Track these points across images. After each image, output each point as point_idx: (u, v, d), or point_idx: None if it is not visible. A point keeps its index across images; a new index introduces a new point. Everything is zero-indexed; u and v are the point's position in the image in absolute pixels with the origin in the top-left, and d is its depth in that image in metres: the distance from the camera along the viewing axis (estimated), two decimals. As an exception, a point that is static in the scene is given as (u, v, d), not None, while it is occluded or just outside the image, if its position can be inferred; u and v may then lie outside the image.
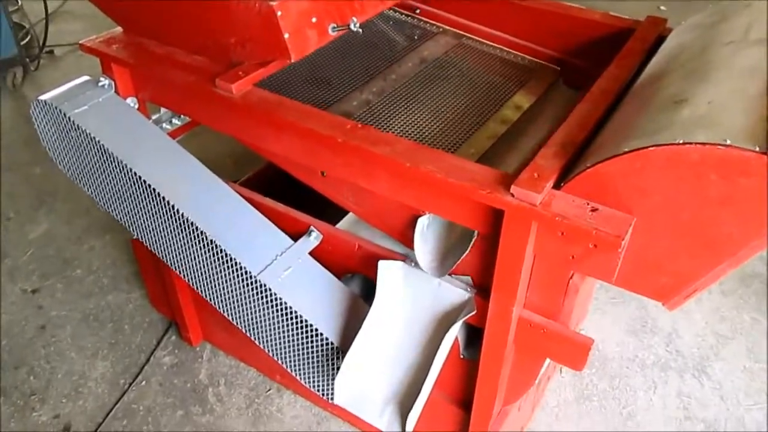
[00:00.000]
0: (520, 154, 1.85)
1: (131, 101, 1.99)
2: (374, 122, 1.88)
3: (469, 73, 2.16)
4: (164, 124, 2.14)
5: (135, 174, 1.79)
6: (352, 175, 1.63)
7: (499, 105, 2.02)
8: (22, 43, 4.31)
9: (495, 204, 1.38)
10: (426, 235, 1.68)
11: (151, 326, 2.81)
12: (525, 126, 1.97)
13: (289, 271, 1.78)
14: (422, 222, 1.65)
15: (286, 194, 2.00)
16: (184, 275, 1.93)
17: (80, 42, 1.95)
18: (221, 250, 1.76)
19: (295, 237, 1.86)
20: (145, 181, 1.79)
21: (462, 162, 1.46)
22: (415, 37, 2.33)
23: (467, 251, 1.58)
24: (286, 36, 1.63)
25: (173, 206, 1.78)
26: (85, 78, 1.99)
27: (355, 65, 2.14)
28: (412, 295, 1.72)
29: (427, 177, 1.43)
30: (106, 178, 1.89)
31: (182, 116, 2.09)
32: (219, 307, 1.91)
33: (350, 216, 2.00)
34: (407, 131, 1.85)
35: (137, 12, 1.88)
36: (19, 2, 4.92)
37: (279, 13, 1.60)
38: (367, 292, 1.93)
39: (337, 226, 1.96)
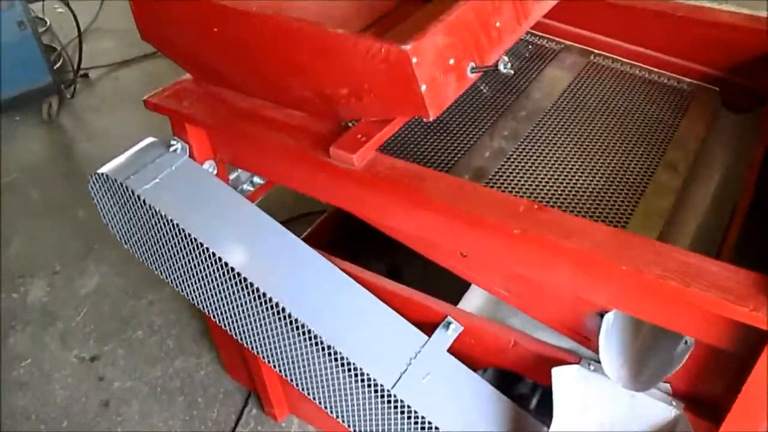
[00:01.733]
0: (698, 214, 1.46)
1: (209, 165, 1.62)
2: (518, 180, 1.50)
3: (612, 102, 1.75)
4: (244, 185, 1.77)
5: (224, 264, 1.43)
6: (518, 265, 1.25)
7: (662, 144, 1.62)
8: (55, 67, 3.96)
9: (759, 324, 0.98)
10: (611, 334, 1.29)
11: (228, 397, 2.47)
12: (696, 170, 1.57)
13: (428, 379, 1.40)
14: (608, 320, 1.26)
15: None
16: (281, 371, 1.56)
17: (145, 98, 1.58)
18: (341, 357, 1.39)
19: (425, 328, 1.48)
20: (238, 273, 1.43)
21: (696, 259, 1.06)
22: (535, 58, 1.92)
23: (681, 363, 1.18)
24: (423, 88, 1.24)
25: (275, 303, 1.41)
26: (151, 140, 1.63)
27: (473, 102, 1.74)
28: (599, 408, 1.33)
29: (655, 284, 1.03)
30: (185, 264, 1.53)
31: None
32: (326, 407, 1.54)
33: (479, 292, 1.60)
34: (561, 191, 1.46)
35: (216, 59, 1.50)
36: (48, 21, 4.57)
37: (414, 60, 1.21)
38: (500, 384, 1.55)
39: (462, 305, 1.57)
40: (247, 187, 1.78)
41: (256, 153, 1.51)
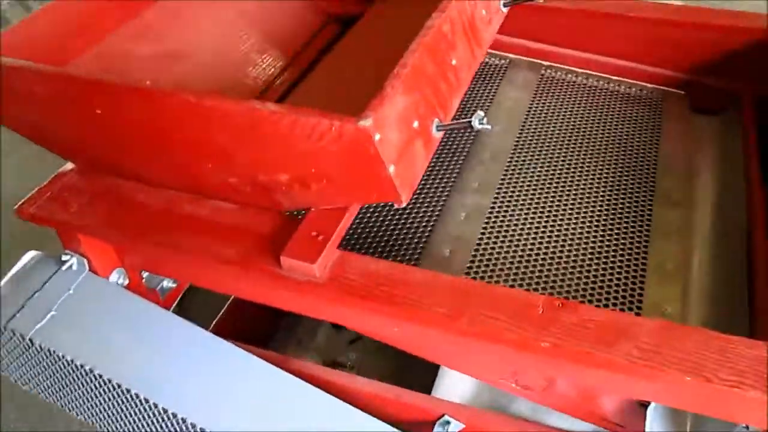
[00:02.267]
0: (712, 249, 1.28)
1: (117, 276, 1.27)
2: (509, 248, 1.26)
3: (581, 124, 1.55)
4: (165, 282, 1.43)
5: (161, 409, 1.10)
6: (543, 371, 1.00)
7: (650, 170, 1.42)
8: None
9: None
10: (654, 422, 1.08)
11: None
12: (693, 194, 1.38)
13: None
14: (653, 410, 1.04)
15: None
16: None
17: (18, 206, 1.21)
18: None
19: (420, 429, 1.22)
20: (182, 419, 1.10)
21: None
22: (483, 80, 1.67)
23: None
24: (391, 169, 0.96)
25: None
26: (37, 255, 1.26)
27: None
28: None
29: (725, 392, 0.81)
30: (106, 407, 1.19)
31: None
32: None
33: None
34: (560, 254, 1.25)
35: (104, 146, 1.16)
36: None
37: (377, 137, 0.93)
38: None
39: (447, 391, 1.32)
40: (168, 284, 1.44)
41: (180, 263, 1.18)
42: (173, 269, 1.25)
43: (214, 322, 1.59)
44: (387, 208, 1.35)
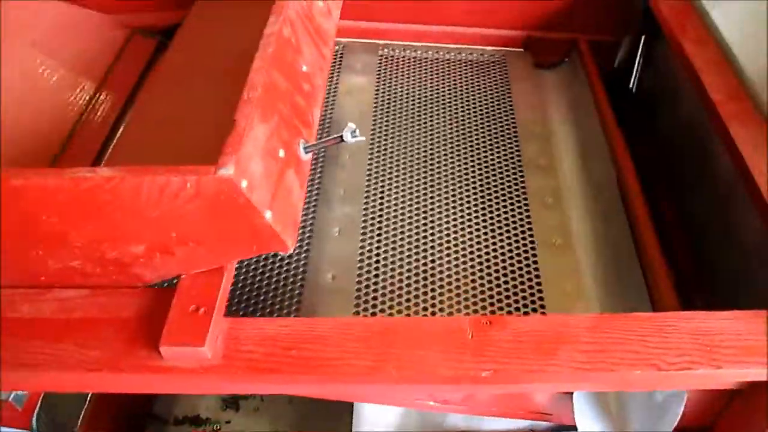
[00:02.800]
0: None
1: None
2: (392, 259, 1.16)
3: (433, 100, 1.48)
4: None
5: None
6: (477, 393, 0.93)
7: (513, 138, 1.39)
8: None
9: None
10: (583, 407, 1.06)
11: None
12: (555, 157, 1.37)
13: None
14: (579, 395, 1.02)
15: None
16: None
17: None
18: None
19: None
20: None
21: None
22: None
23: (678, 416, 0.99)
24: (269, 216, 0.82)
25: None
26: None
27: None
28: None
29: (673, 377, 0.78)
30: None
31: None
32: None
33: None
34: (447, 252, 1.18)
35: None
36: None
37: (244, 184, 0.78)
38: None
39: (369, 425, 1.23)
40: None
41: (35, 379, 0.95)
42: (29, 386, 1.03)
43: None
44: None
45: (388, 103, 1.47)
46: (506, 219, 1.22)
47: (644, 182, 1.28)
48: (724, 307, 0.84)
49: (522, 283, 1.12)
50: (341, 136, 0.94)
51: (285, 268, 1.13)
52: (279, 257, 1.16)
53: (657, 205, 1.40)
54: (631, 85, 1.66)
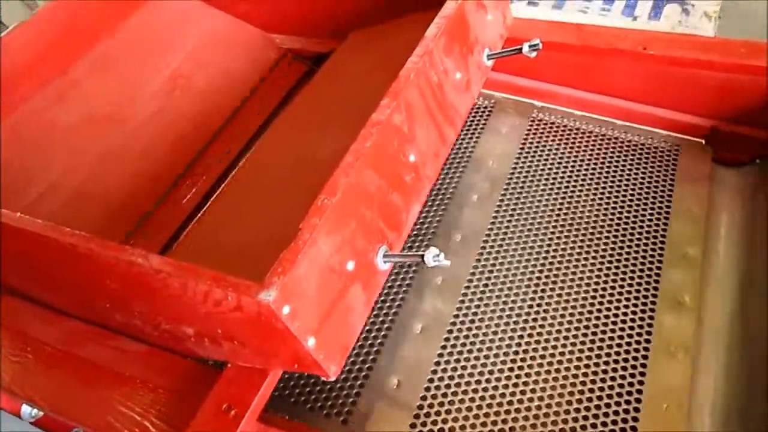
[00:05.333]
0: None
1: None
2: (472, 371, 1.03)
3: (579, 182, 1.30)
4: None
5: None
6: None
7: (658, 252, 1.18)
8: None
9: None
10: None
11: None
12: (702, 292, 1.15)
13: None
14: None
15: None
16: None
17: None
18: None
19: None
20: None
21: None
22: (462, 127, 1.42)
23: None
24: (310, 343, 0.74)
25: None
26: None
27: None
28: None
29: None
30: None
31: None
32: None
33: None
34: (545, 376, 1.01)
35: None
36: None
37: (286, 311, 0.71)
38: None
39: None
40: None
41: (74, 413, 0.98)
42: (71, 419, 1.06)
43: None
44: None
45: (525, 179, 1.32)
46: (617, 362, 1.04)
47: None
48: None
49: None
50: (422, 256, 0.83)
51: (347, 367, 1.05)
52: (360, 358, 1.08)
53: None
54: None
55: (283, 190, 1.11)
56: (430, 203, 1.28)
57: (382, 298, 1.15)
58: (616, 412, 0.98)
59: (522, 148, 1.37)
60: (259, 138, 1.36)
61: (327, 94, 1.32)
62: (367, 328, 1.11)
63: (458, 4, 1.07)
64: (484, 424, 0.98)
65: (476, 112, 1.46)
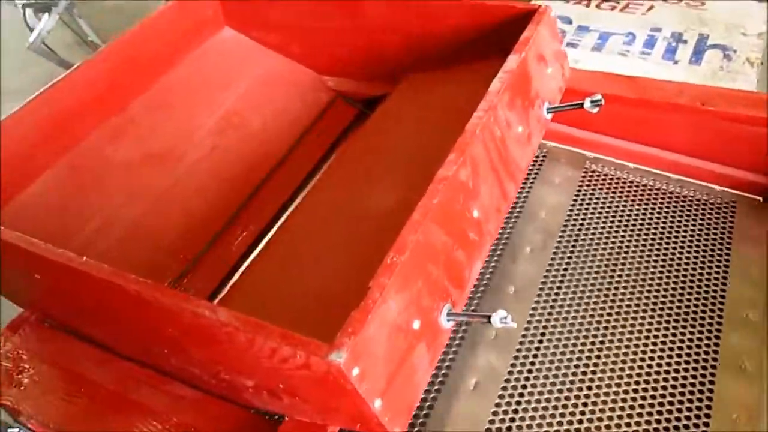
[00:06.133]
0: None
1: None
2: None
3: (632, 237, 1.28)
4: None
5: None
6: None
7: (717, 311, 1.15)
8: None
9: None
10: None
11: None
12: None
13: None
14: None
15: None
16: None
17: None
18: None
19: None
20: None
21: None
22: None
23: None
24: (377, 405, 0.73)
25: None
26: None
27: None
28: None
29: None
30: None
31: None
32: None
33: None
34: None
35: (61, 308, 0.97)
36: None
37: (355, 373, 0.70)
38: None
39: None
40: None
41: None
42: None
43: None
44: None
45: (578, 231, 1.30)
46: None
47: None
48: None
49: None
50: (489, 317, 0.82)
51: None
52: None
53: None
54: None
55: (336, 241, 1.10)
56: (483, 255, 1.27)
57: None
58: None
59: (575, 200, 1.36)
60: (310, 184, 1.36)
61: (380, 141, 1.32)
62: (420, 382, 1.09)
63: (521, 58, 1.08)
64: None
65: (528, 161, 1.45)
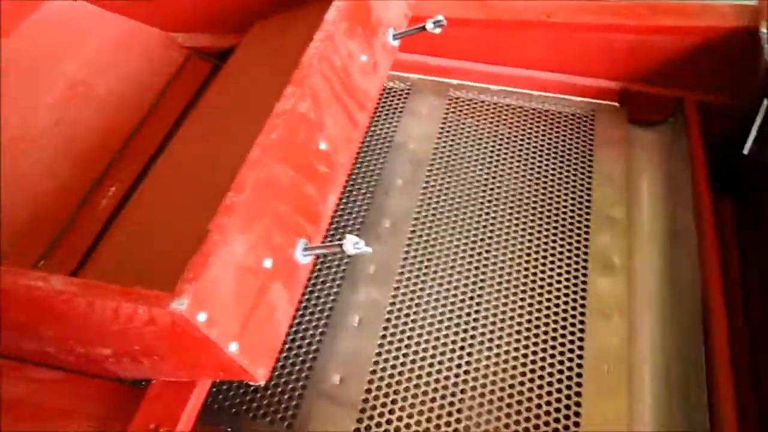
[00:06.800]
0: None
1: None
2: (413, 361, 1.01)
3: (500, 157, 1.30)
4: None
5: None
6: None
7: (584, 215, 1.19)
8: None
9: None
10: None
11: None
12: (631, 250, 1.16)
13: None
14: None
15: None
16: None
17: None
18: None
19: None
20: None
21: None
22: (378, 112, 1.40)
23: None
24: (232, 349, 0.71)
25: None
26: None
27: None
28: None
29: None
30: None
31: None
32: None
33: None
34: (486, 355, 1.00)
35: None
36: None
37: (202, 318, 0.67)
38: None
39: None
40: None
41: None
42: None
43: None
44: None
45: (448, 158, 1.31)
46: (556, 330, 1.04)
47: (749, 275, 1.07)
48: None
49: (559, 400, 0.96)
50: (341, 245, 0.80)
51: (288, 369, 1.02)
52: (283, 357, 1.05)
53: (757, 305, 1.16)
54: (746, 152, 1.39)
55: (194, 194, 1.06)
56: (355, 192, 1.26)
57: (316, 294, 1.11)
58: (560, 380, 0.99)
59: (442, 128, 1.36)
60: (167, 145, 1.30)
61: (233, 92, 1.27)
62: (304, 326, 1.07)
63: (358, -14, 1.05)
64: (431, 410, 0.97)
65: (393, 96, 1.44)
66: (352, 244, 0.80)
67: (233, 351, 0.72)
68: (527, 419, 0.95)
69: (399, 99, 1.43)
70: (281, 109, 0.86)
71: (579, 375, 0.98)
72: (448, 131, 1.35)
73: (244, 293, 0.74)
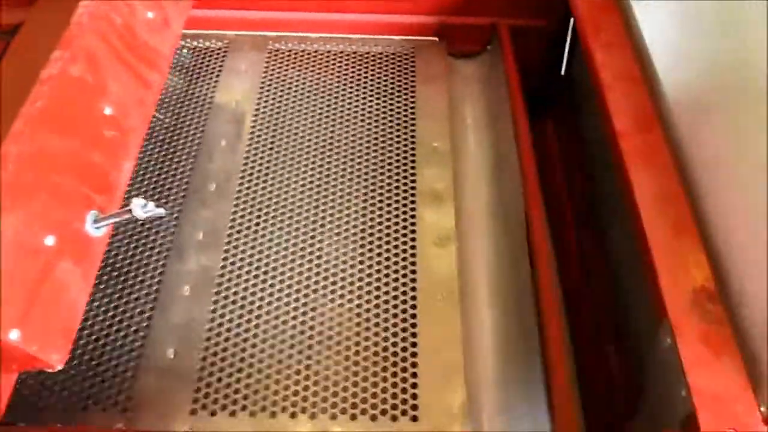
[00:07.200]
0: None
1: None
2: (248, 330, 0.99)
3: (325, 109, 1.28)
4: None
5: None
6: None
7: (410, 152, 1.19)
8: None
9: None
10: None
11: None
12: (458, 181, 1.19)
13: None
14: None
15: None
16: None
17: None
18: None
19: None
20: None
21: None
22: (195, 74, 1.34)
23: None
24: (14, 337, 0.66)
25: None
26: None
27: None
28: None
29: None
30: None
31: None
32: None
33: None
34: (321, 313, 1.00)
35: None
36: None
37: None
38: None
39: None
40: None
41: None
42: None
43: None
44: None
45: (272, 113, 1.27)
46: (389, 267, 1.04)
47: (575, 194, 1.11)
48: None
49: (396, 334, 0.97)
50: (130, 210, 0.76)
51: (117, 351, 0.96)
52: (114, 331, 0.99)
53: (581, 228, 1.22)
54: (562, 73, 1.45)
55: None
56: (176, 158, 1.20)
57: (142, 268, 1.06)
58: (395, 315, 0.99)
59: (263, 82, 1.32)
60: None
61: (19, 69, 1.16)
62: (131, 304, 1.02)
63: (132, -63, 0.98)
64: (269, 366, 0.94)
65: (211, 56, 1.38)
66: (140, 207, 0.75)
67: (14, 339, 0.66)
68: (374, 353, 0.95)
69: (217, 58, 1.37)
70: (47, 75, 0.79)
71: (414, 306, 1.00)
72: (269, 86, 1.31)
73: (23, 276, 0.68)
